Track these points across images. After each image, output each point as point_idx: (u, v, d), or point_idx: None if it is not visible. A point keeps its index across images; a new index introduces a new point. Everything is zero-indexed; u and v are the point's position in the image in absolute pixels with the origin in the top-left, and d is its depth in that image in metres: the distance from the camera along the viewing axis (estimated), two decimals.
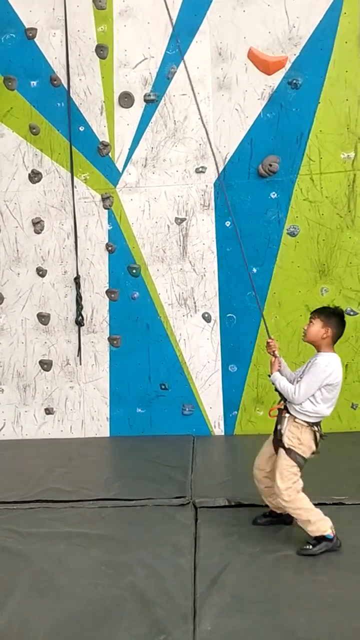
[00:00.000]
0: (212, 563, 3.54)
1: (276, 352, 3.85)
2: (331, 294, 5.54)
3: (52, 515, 4.24)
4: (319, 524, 3.63)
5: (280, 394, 3.73)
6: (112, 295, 5.73)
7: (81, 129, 5.52)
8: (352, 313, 5.54)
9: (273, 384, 3.74)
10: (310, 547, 3.64)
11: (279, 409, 3.78)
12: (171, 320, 5.76)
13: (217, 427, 5.90)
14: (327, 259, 5.47)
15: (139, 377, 5.81)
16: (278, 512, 3.93)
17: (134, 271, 5.65)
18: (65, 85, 5.50)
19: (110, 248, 5.65)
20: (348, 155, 5.24)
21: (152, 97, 5.38)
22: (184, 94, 5.35)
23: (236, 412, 5.87)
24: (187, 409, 5.84)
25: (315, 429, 3.71)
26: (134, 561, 3.59)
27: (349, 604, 3.13)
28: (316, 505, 4.20)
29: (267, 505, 3.98)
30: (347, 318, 5.50)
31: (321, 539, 3.64)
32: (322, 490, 4.37)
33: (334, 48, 5.05)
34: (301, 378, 3.67)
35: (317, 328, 3.74)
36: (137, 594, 3.27)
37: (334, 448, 5.31)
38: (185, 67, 4.36)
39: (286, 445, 3.67)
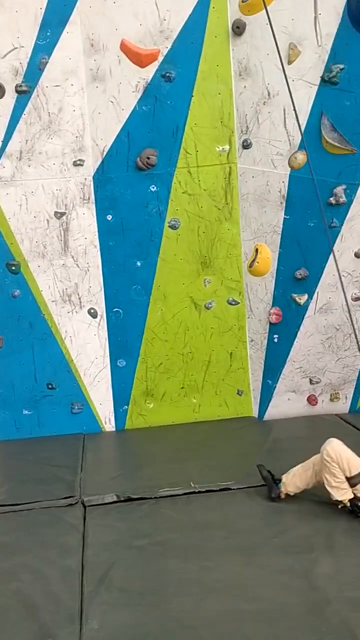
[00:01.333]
0: (101, 560, 3.52)
1: None
2: (213, 285, 5.64)
3: None
4: (291, 477, 3.98)
5: None
6: None
7: None
8: (233, 303, 5.68)
9: None
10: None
11: None
12: (55, 317, 5.62)
13: (108, 423, 5.85)
14: (208, 250, 5.56)
15: (24, 377, 5.63)
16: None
17: (13, 268, 5.46)
18: None
19: None
20: (223, 149, 5.34)
21: (23, 88, 5.20)
22: (57, 86, 5.23)
23: (126, 407, 5.85)
24: (76, 407, 5.75)
25: None
26: (20, 567, 3.49)
27: (234, 587, 3.22)
28: (204, 492, 4.32)
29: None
30: (229, 308, 5.74)
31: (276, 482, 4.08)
32: (209, 477, 4.48)
33: (205, 42, 5.10)
34: None
35: None
36: (22, 600, 3.19)
37: (221, 434, 5.51)
38: None
39: None
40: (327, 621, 2.91)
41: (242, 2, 4.94)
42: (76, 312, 5.65)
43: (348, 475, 3.82)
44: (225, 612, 3.02)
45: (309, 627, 2.89)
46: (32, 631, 2.93)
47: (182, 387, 5.85)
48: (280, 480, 4.15)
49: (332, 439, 3.95)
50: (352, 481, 3.83)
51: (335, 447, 3.86)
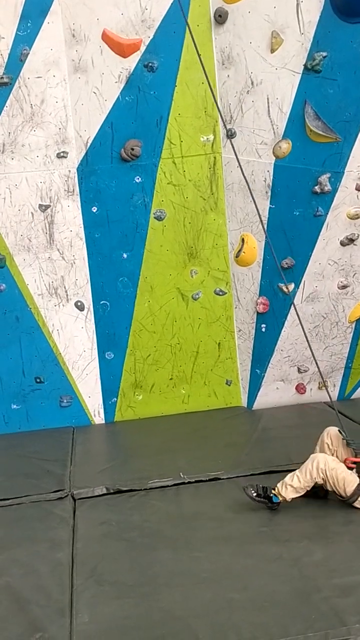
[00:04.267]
0: (91, 553, 3.52)
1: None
2: (200, 276, 5.64)
3: None
4: (287, 488, 3.74)
5: None
6: None
7: None
8: (221, 293, 5.68)
9: None
10: (254, 493, 3.75)
11: None
12: (42, 310, 5.60)
13: (97, 415, 5.85)
14: (194, 241, 5.54)
15: (11, 372, 5.61)
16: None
17: None
18: None
19: None
20: (207, 138, 5.31)
21: (5, 80, 5.13)
22: (39, 77, 5.17)
23: (115, 399, 5.86)
24: (65, 401, 5.74)
25: None
26: (10, 561, 3.49)
27: (224, 577, 3.23)
28: (193, 482, 4.34)
29: None
30: (217, 298, 5.73)
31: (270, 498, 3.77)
32: (199, 467, 4.50)
33: (187, 31, 5.07)
34: None
35: None
36: (12, 595, 3.19)
37: (211, 424, 5.52)
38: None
39: None
40: (317, 608, 2.93)
41: None
42: (63, 305, 5.63)
43: (344, 496, 3.76)
44: (215, 602, 3.04)
45: (298, 614, 2.91)
46: (22, 626, 2.94)
47: (171, 379, 5.85)
48: (272, 489, 3.89)
49: (319, 455, 3.84)
50: (349, 500, 3.77)
51: (330, 465, 3.76)
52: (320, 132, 4.74)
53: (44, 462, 4.85)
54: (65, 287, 5.59)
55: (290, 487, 3.77)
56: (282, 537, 3.58)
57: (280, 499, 3.79)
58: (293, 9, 4.66)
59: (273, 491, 3.78)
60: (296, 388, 5.84)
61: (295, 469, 3.89)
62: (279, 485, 3.81)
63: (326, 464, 3.75)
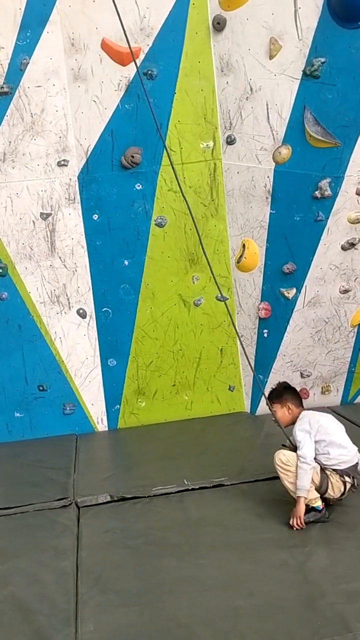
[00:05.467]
0: (95, 562, 3.51)
1: None
2: (202, 282, 5.64)
3: None
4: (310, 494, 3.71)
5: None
6: None
7: None
8: (222, 299, 5.68)
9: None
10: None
11: None
12: (45, 318, 5.61)
13: (101, 422, 5.85)
14: (195, 247, 5.55)
15: (14, 380, 5.61)
16: None
17: (0, 271, 5.44)
18: None
19: None
20: (207, 145, 5.34)
21: (5, 90, 5.16)
22: (39, 86, 5.20)
23: (118, 406, 5.85)
24: (68, 408, 5.74)
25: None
26: (14, 571, 3.48)
27: (228, 584, 3.22)
28: (197, 489, 4.32)
29: None
30: (218, 304, 5.73)
31: (310, 509, 3.71)
32: (203, 473, 4.48)
33: (186, 39, 5.08)
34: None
35: (281, 412, 4.01)
36: (16, 604, 3.17)
37: (214, 430, 5.52)
38: None
39: None
40: (322, 614, 2.92)
41: None
42: (65, 312, 5.64)
43: (317, 484, 3.73)
44: (221, 609, 3.02)
45: (303, 621, 2.90)
46: (27, 635, 2.92)
47: (174, 385, 5.85)
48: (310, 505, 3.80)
49: (275, 456, 3.85)
50: (320, 490, 3.74)
51: (289, 454, 3.78)
52: (320, 138, 4.76)
53: (48, 470, 4.84)
54: (67, 295, 5.61)
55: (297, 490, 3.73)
56: (287, 543, 3.57)
57: (317, 502, 3.73)
58: (291, 16, 4.68)
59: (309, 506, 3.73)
60: (299, 393, 5.82)
61: None
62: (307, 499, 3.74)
63: (285, 454, 3.79)
